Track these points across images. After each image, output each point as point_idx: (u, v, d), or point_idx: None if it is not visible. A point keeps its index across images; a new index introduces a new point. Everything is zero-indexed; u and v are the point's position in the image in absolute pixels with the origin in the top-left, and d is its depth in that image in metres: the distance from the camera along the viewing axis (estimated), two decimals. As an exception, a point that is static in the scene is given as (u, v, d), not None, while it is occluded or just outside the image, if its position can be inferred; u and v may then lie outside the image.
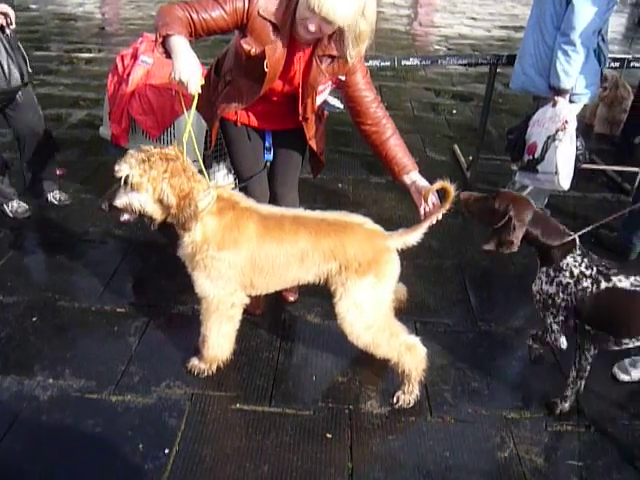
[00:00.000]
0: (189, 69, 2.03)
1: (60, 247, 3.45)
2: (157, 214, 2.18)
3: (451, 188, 2.18)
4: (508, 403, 2.52)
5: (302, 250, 2.26)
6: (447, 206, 2.23)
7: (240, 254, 2.26)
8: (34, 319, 2.85)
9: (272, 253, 2.26)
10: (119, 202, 2.14)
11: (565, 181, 3.34)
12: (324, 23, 2.05)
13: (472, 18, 12.03)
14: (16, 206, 3.67)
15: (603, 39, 3.38)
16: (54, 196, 3.85)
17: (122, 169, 2.09)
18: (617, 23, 10.19)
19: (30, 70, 3.29)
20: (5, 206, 3.65)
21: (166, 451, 2.20)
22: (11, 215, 3.65)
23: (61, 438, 2.24)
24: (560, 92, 3.34)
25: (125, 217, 2.21)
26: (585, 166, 3.65)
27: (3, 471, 2.09)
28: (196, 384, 2.52)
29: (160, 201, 2.12)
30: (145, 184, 2.08)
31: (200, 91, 2.11)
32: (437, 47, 9.38)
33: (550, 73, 3.37)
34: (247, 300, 2.46)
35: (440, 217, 2.28)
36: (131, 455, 2.18)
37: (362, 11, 2.05)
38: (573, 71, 3.28)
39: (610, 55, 3.83)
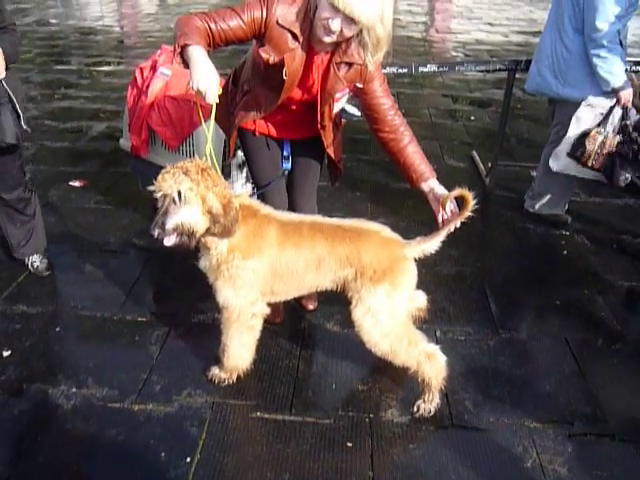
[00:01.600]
0: (207, 79, 2.04)
1: (82, 258, 3.50)
2: (203, 227, 2.12)
3: (469, 196, 2.17)
4: (530, 412, 2.49)
5: (319, 256, 2.26)
6: (466, 214, 2.21)
7: (263, 261, 2.27)
8: (57, 329, 2.89)
9: (292, 259, 2.27)
10: (172, 223, 2.05)
11: None
12: (346, 23, 2.05)
13: (489, 24, 11.98)
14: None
15: (621, 43, 3.37)
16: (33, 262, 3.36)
17: (167, 187, 2.03)
18: (637, 26, 10.07)
19: (26, 127, 2.91)
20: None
21: (188, 459, 2.21)
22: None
23: (85, 447, 2.26)
24: (617, 91, 3.40)
25: (172, 240, 2.11)
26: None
27: (28, 479, 2.12)
28: (217, 393, 2.53)
29: (209, 212, 2.08)
30: (194, 198, 2.04)
31: (218, 101, 2.12)
32: (454, 53, 9.36)
33: (598, 82, 3.43)
34: (268, 310, 2.46)
35: (458, 225, 2.27)
36: (153, 464, 2.19)
37: (381, 16, 2.06)
38: (616, 69, 3.35)
39: (629, 59, 3.82)
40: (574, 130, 3.56)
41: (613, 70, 3.34)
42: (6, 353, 2.71)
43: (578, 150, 3.54)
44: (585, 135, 3.51)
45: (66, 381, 2.57)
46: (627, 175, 3.51)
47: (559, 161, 3.68)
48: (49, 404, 2.45)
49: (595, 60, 3.35)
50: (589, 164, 3.54)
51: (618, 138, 3.47)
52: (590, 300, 3.25)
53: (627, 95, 3.42)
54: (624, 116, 3.47)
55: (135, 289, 3.22)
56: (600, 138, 3.47)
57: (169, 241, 2.11)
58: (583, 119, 3.52)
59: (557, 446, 2.33)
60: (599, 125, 3.48)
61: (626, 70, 3.49)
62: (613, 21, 3.21)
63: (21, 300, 3.09)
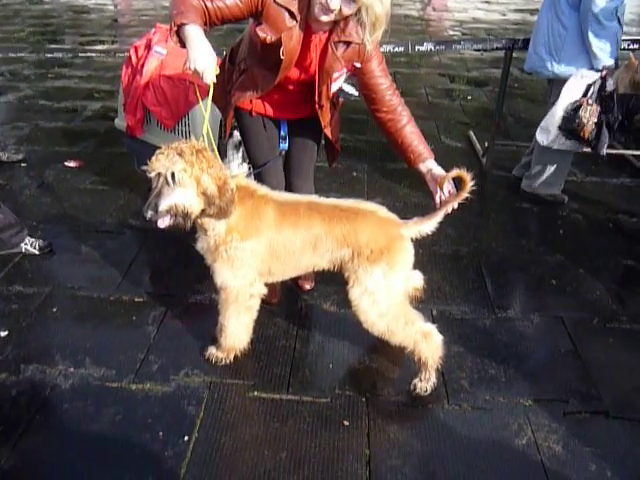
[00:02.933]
0: (204, 59, 2.02)
1: (78, 238, 3.49)
2: (198, 209, 2.11)
3: (467, 176, 2.16)
4: (526, 390, 2.51)
5: (316, 236, 2.26)
6: (463, 194, 2.21)
7: (261, 242, 2.27)
8: (54, 309, 2.89)
9: (289, 239, 2.27)
10: (165, 204, 2.04)
11: None
12: (345, 1, 2.03)
13: (486, 2, 11.89)
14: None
15: (619, 20, 3.36)
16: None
17: (160, 168, 2.01)
18: (635, 4, 9.99)
19: None
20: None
21: (185, 438, 2.23)
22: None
23: (83, 426, 2.28)
24: (605, 69, 3.46)
25: (166, 222, 2.10)
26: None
27: (26, 459, 2.13)
28: (214, 372, 2.54)
29: (203, 194, 2.07)
30: (188, 179, 2.02)
31: (215, 81, 2.10)
32: (451, 32, 9.29)
33: (590, 59, 3.47)
34: (265, 291, 2.47)
35: (456, 206, 2.26)
36: (151, 442, 2.21)
37: None
38: (608, 46, 3.38)
39: (627, 37, 3.82)
40: (564, 102, 3.59)
41: (605, 47, 3.37)
42: (3, 333, 2.72)
43: (574, 122, 3.56)
44: (576, 108, 3.54)
45: (63, 361, 2.58)
46: (606, 142, 3.59)
47: (549, 134, 3.70)
48: (47, 384, 2.46)
49: (591, 38, 3.37)
50: (584, 135, 3.57)
51: (598, 108, 3.52)
52: (586, 279, 3.26)
53: (610, 70, 3.50)
54: (602, 86, 3.51)
55: (132, 269, 3.22)
56: (589, 108, 3.49)
57: (163, 223, 2.10)
58: (573, 91, 3.54)
59: (552, 424, 2.35)
60: (585, 95, 3.52)
61: (624, 48, 3.50)
62: None
63: (18, 280, 3.09)
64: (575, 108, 3.54)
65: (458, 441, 2.26)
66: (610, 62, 3.45)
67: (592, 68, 3.50)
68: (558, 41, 3.54)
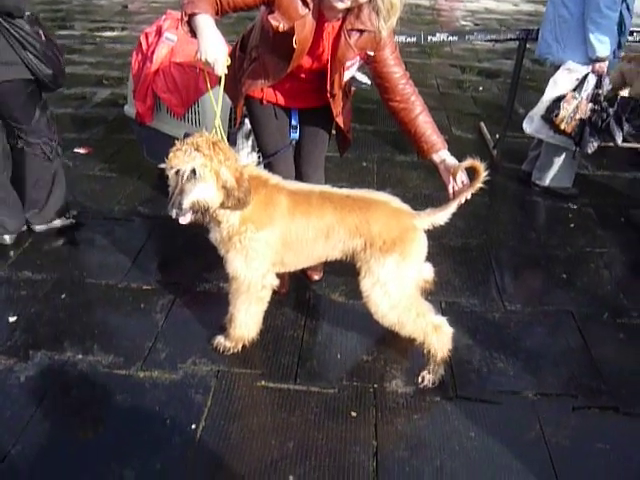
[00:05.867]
0: (215, 49, 2.00)
1: (87, 225, 3.48)
2: (218, 202, 2.10)
3: (481, 166, 2.14)
4: (534, 384, 2.49)
5: (328, 225, 2.25)
6: (477, 185, 2.19)
7: (275, 231, 2.26)
8: (63, 296, 2.89)
9: (301, 228, 2.26)
10: (188, 201, 2.03)
11: None
12: None
13: (499, -8, 11.77)
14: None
15: (628, 7, 3.33)
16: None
17: (179, 164, 2.00)
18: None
19: None
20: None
21: (193, 426, 2.22)
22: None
23: (90, 413, 2.28)
24: (598, 61, 3.42)
25: (189, 218, 2.10)
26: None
27: (34, 445, 2.14)
28: (222, 361, 2.54)
29: (223, 186, 2.06)
30: (209, 173, 2.01)
31: (226, 71, 2.08)
32: (463, 22, 9.21)
33: (587, 47, 3.44)
34: (277, 282, 2.46)
35: (469, 196, 2.24)
36: (159, 430, 2.21)
37: None
38: (606, 38, 3.34)
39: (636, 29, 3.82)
40: (550, 93, 3.60)
41: (603, 39, 3.34)
42: (12, 319, 2.72)
43: (553, 112, 3.57)
44: (561, 98, 3.54)
45: (72, 348, 2.58)
46: (595, 143, 3.57)
47: (532, 124, 3.71)
48: (55, 370, 2.46)
49: (589, 24, 3.36)
50: (561, 127, 3.57)
51: (590, 106, 3.51)
52: (596, 274, 3.24)
53: (603, 66, 3.46)
54: (598, 84, 3.49)
55: (140, 257, 3.21)
56: (574, 103, 3.49)
57: (185, 219, 2.10)
58: (560, 83, 3.56)
59: (561, 419, 2.34)
60: (574, 90, 3.50)
61: (625, 36, 3.50)
62: None
63: (26, 266, 3.09)
64: (558, 99, 3.54)
65: (465, 434, 2.25)
66: (605, 54, 3.39)
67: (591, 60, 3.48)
68: (563, 27, 3.55)
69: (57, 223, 3.40)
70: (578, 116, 3.51)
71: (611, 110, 3.50)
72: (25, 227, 3.34)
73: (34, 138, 3.09)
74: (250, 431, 2.23)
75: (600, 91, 3.49)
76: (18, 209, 3.25)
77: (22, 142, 3.09)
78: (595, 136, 3.54)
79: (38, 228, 3.36)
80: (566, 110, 3.48)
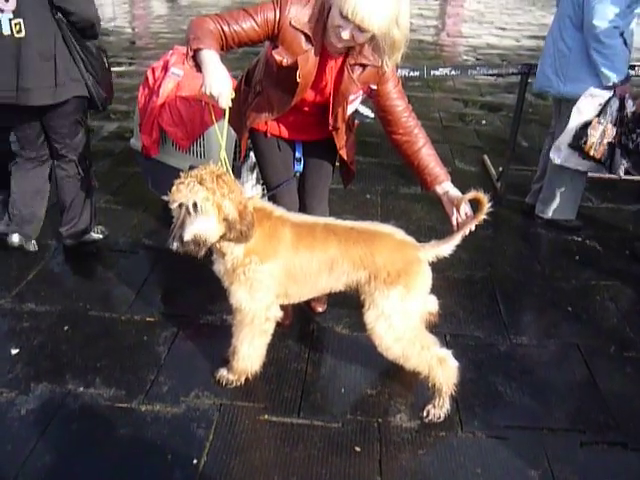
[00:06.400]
0: (220, 84, 2.03)
1: (91, 257, 3.50)
2: (218, 235, 2.11)
3: (484, 198, 2.15)
4: (541, 419, 2.46)
5: (332, 257, 2.25)
6: (481, 217, 2.19)
7: (279, 263, 2.26)
8: (66, 328, 2.88)
9: (305, 261, 2.26)
10: (189, 234, 2.04)
11: None
12: (358, 31, 2.03)
13: (501, 28, 11.96)
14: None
15: (625, 42, 3.37)
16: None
17: (182, 198, 2.02)
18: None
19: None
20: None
21: (195, 461, 2.19)
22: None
23: (91, 447, 2.25)
24: (616, 86, 3.45)
25: (182, 248, 2.09)
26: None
27: (35, 478, 2.10)
28: (224, 394, 2.51)
29: (225, 219, 2.07)
30: (211, 207, 2.03)
31: (231, 105, 2.11)
32: (465, 57, 9.34)
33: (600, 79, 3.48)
34: (281, 314, 2.44)
35: (473, 228, 2.24)
36: (160, 465, 2.18)
37: (396, 20, 2.04)
38: (616, 62, 3.38)
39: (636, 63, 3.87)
40: (575, 121, 3.59)
41: (613, 65, 3.38)
42: (14, 351, 2.71)
43: (582, 139, 3.56)
44: (587, 125, 3.54)
45: (73, 381, 2.56)
46: (625, 165, 3.56)
47: (560, 152, 3.69)
48: (56, 403, 2.43)
49: (595, 56, 3.40)
50: (591, 153, 3.56)
51: (616, 129, 3.51)
52: (602, 306, 3.21)
53: (625, 89, 3.47)
54: (621, 107, 3.49)
55: (144, 289, 3.21)
56: (600, 128, 3.49)
57: (180, 248, 2.10)
58: (584, 109, 3.56)
59: (568, 454, 2.29)
60: (599, 115, 3.51)
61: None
62: (611, 19, 3.26)
63: (30, 298, 3.09)
64: (584, 126, 3.54)
65: (472, 470, 2.21)
66: (620, 79, 3.42)
67: (601, 86, 3.50)
68: (563, 62, 3.60)
69: (88, 238, 3.52)
70: (606, 140, 3.51)
71: (638, 130, 3.51)
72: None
73: (73, 155, 3.24)
74: (252, 466, 2.19)
75: (624, 113, 3.51)
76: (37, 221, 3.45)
77: (58, 166, 3.28)
78: (626, 157, 3.54)
79: (68, 242, 3.47)
80: (594, 136, 3.50)
